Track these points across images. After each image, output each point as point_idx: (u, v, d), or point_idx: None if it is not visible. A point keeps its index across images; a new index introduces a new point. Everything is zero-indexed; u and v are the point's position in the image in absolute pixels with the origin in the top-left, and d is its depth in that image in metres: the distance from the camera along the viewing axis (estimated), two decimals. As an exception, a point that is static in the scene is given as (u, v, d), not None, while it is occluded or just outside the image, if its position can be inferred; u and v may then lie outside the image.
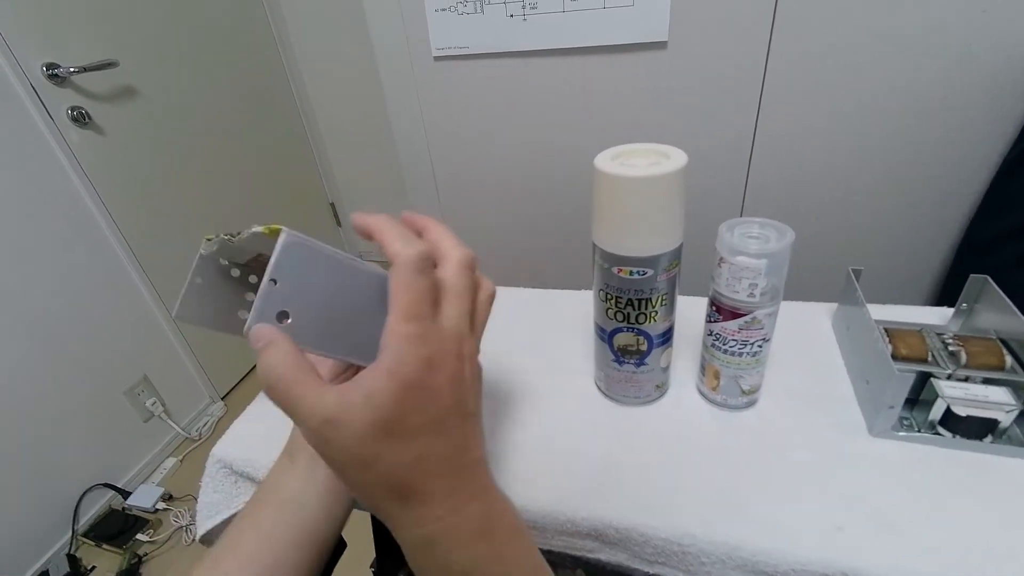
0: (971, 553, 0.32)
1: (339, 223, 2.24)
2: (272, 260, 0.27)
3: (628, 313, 0.41)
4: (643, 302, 0.40)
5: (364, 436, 0.23)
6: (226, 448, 0.49)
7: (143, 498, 1.34)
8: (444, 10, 0.69)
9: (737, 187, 0.74)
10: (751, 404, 0.43)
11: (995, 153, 0.62)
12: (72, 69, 1.16)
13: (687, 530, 0.36)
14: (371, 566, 0.70)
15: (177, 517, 1.33)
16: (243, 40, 1.69)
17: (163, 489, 1.38)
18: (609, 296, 0.42)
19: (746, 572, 0.35)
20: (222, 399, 1.69)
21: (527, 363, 0.53)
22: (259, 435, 0.48)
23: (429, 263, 0.26)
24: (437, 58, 0.74)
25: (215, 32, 1.58)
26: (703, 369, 0.44)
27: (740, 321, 0.37)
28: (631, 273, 0.39)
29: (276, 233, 0.27)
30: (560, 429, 0.46)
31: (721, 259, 0.37)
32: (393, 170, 0.89)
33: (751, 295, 0.36)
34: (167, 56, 1.42)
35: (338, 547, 0.57)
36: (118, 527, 1.28)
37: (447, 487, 0.26)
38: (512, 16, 0.68)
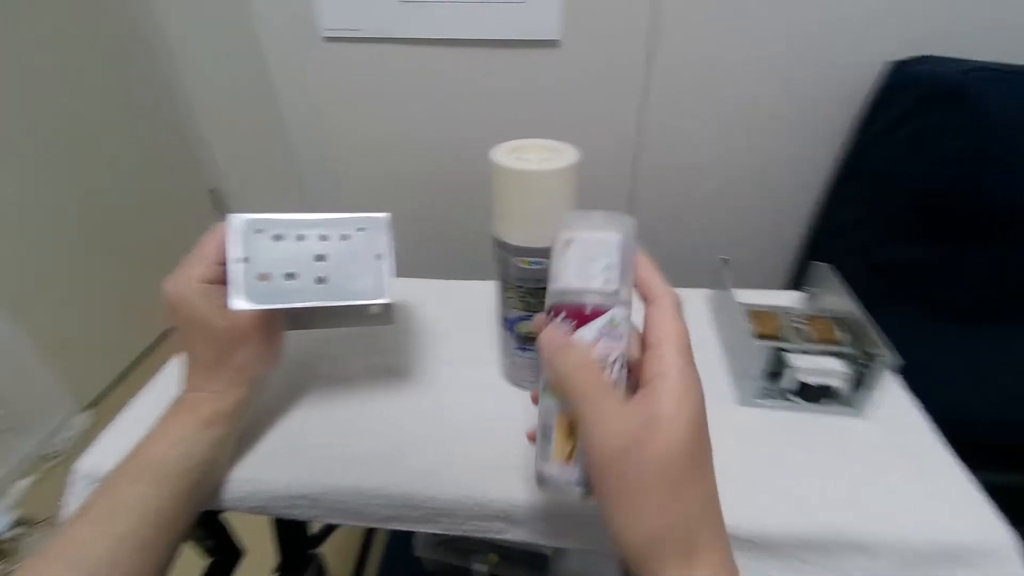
0: (816, 496, 0.38)
1: (222, 210, 2.04)
2: (228, 243, 0.35)
3: (529, 302, 0.43)
4: (543, 291, 0.42)
5: (674, 458, 0.23)
6: (94, 461, 0.44)
7: (-11, 527, 1.16)
8: (336, -11, 0.66)
9: (624, 180, 0.79)
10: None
11: (832, 159, 0.73)
12: None
13: (583, 501, 0.39)
14: (276, 570, 0.67)
15: (35, 543, 1.17)
16: (99, 11, 1.47)
17: (18, 513, 1.20)
18: (510, 286, 0.43)
19: (635, 534, 0.39)
20: (87, 409, 1.49)
21: (433, 355, 0.54)
22: (131, 444, 0.44)
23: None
24: (327, 39, 0.70)
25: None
26: (545, 441, 0.28)
27: (599, 325, 0.26)
28: (530, 263, 0.41)
29: None
30: (467, 418, 0.47)
31: (567, 242, 0.29)
32: (287, 156, 0.83)
33: (608, 280, 0.27)
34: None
35: (234, 555, 0.54)
36: (-44, 563, 1.10)
37: (718, 541, 0.24)
38: (406, 2, 0.66)
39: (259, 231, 0.36)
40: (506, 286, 0.44)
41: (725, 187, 0.78)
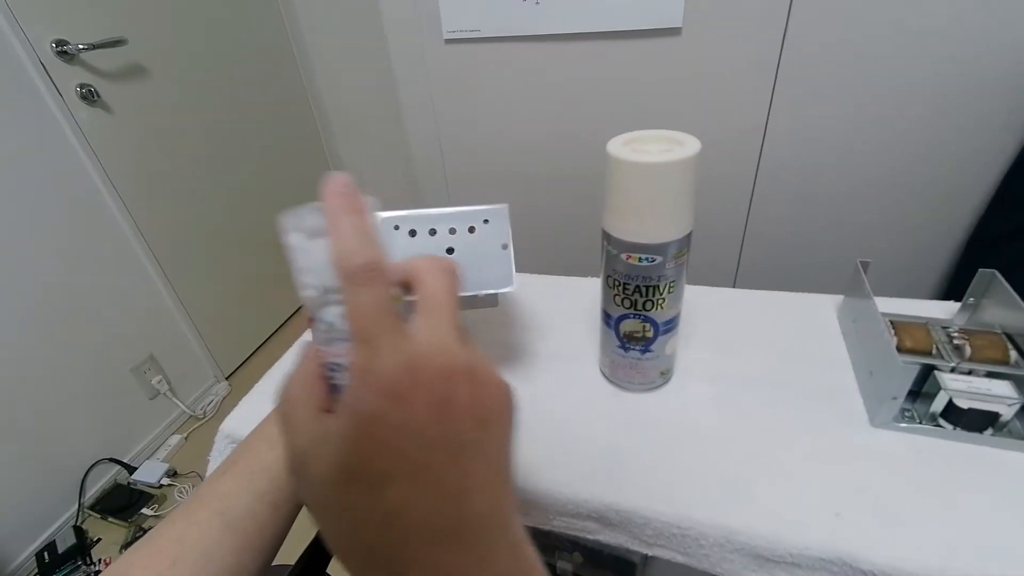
0: (967, 543, 0.33)
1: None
2: None
3: (635, 300, 0.42)
4: (650, 289, 0.41)
5: (324, 479, 0.20)
6: (234, 424, 0.49)
7: (148, 473, 1.36)
8: (456, -8, 0.69)
9: (747, 176, 0.73)
10: None
11: (1006, 151, 0.61)
12: (81, 46, 1.16)
13: (687, 513, 0.37)
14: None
15: (181, 493, 1.35)
16: (252, 22, 1.68)
17: (168, 465, 1.40)
18: (616, 283, 0.42)
19: (744, 556, 0.36)
20: (226, 379, 1.70)
21: (533, 348, 0.54)
22: (266, 412, 0.49)
23: (376, 272, 0.21)
24: (448, 41, 0.74)
25: (224, 12, 1.57)
26: None
27: (315, 329, 0.24)
28: (640, 260, 0.40)
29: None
30: (564, 414, 0.46)
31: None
32: (403, 155, 0.89)
33: (305, 281, 0.24)
34: (175, 35, 1.41)
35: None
36: (123, 501, 1.31)
37: (435, 559, 0.19)
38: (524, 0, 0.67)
39: (396, 227, 0.38)
40: (612, 282, 0.42)
41: (863, 185, 0.69)
